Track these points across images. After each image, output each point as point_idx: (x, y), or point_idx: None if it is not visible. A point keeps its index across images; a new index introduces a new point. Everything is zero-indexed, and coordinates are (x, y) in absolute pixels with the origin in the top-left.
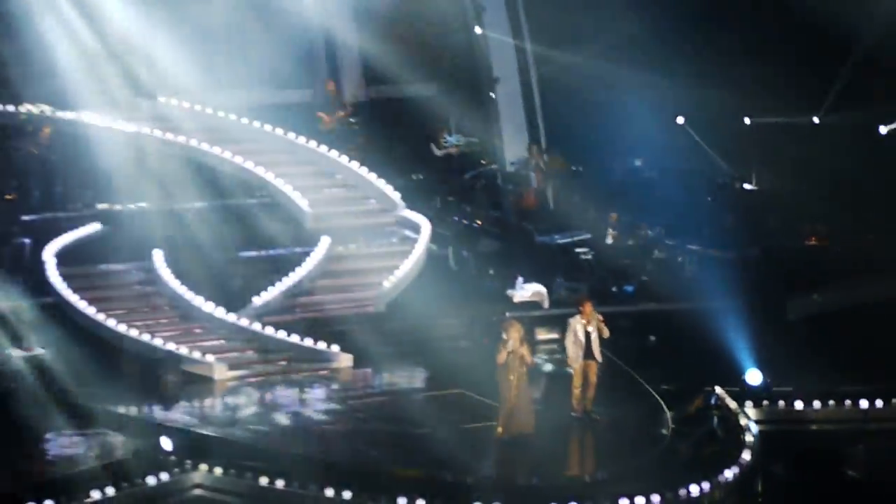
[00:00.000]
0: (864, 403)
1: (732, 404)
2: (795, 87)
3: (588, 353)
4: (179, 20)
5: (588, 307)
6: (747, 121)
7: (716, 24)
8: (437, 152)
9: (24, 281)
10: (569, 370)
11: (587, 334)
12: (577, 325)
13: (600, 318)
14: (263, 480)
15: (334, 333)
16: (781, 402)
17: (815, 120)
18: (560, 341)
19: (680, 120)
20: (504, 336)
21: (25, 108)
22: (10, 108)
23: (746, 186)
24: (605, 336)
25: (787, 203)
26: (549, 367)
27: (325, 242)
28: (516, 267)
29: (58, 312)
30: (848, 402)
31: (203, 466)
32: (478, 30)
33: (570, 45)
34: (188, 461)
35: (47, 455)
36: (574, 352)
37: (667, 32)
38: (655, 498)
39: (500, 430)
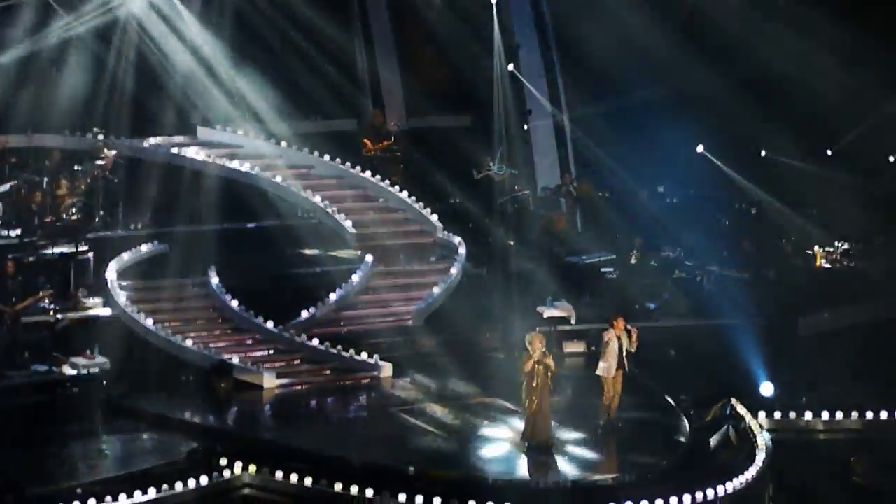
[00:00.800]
0: (869, 415)
1: (746, 415)
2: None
3: (620, 364)
4: (236, 54)
5: (620, 322)
6: (763, 153)
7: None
8: (477, 176)
9: (87, 295)
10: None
11: (619, 347)
12: (613, 338)
13: (636, 331)
14: (308, 481)
15: (376, 345)
16: (792, 413)
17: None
18: (585, 354)
19: (700, 149)
20: (529, 348)
21: (92, 134)
22: (79, 134)
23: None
24: (633, 350)
25: (798, 228)
26: (573, 378)
27: (368, 261)
28: (546, 285)
29: (119, 324)
30: (855, 413)
31: (252, 468)
32: (510, 67)
33: (598, 77)
34: (238, 462)
35: (107, 455)
36: (607, 363)
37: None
38: (673, 501)
39: (523, 435)
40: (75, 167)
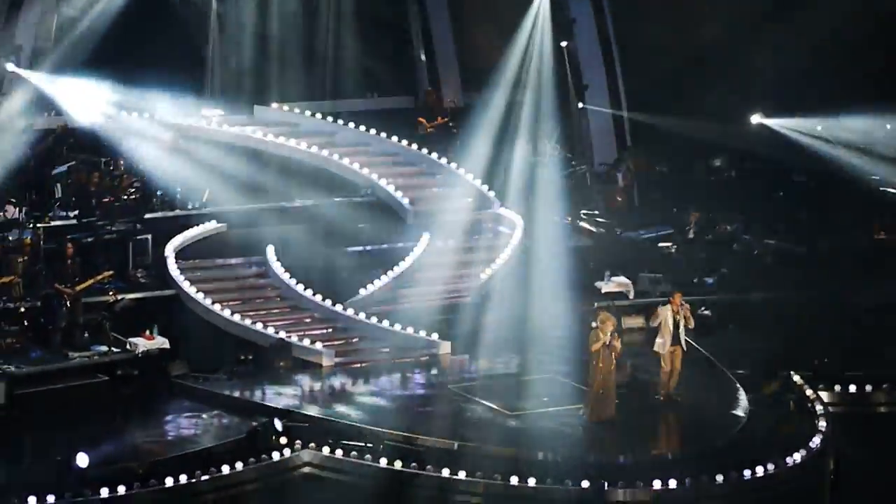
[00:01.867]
0: None
1: (806, 388)
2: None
3: (675, 341)
4: (294, 33)
5: (677, 298)
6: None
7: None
8: (532, 157)
9: (146, 275)
10: (657, 354)
11: (675, 323)
12: (667, 314)
13: (688, 308)
14: (367, 459)
15: (434, 322)
16: (853, 387)
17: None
18: (644, 329)
19: (755, 118)
20: (598, 325)
21: (150, 114)
22: (136, 114)
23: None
24: (690, 326)
25: (856, 200)
26: (632, 353)
27: (425, 238)
28: (604, 260)
29: (178, 304)
30: None
31: (312, 446)
32: (563, 43)
33: (654, 51)
34: (298, 441)
35: (168, 435)
36: (663, 338)
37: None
38: (734, 475)
39: (587, 413)
40: (133, 147)
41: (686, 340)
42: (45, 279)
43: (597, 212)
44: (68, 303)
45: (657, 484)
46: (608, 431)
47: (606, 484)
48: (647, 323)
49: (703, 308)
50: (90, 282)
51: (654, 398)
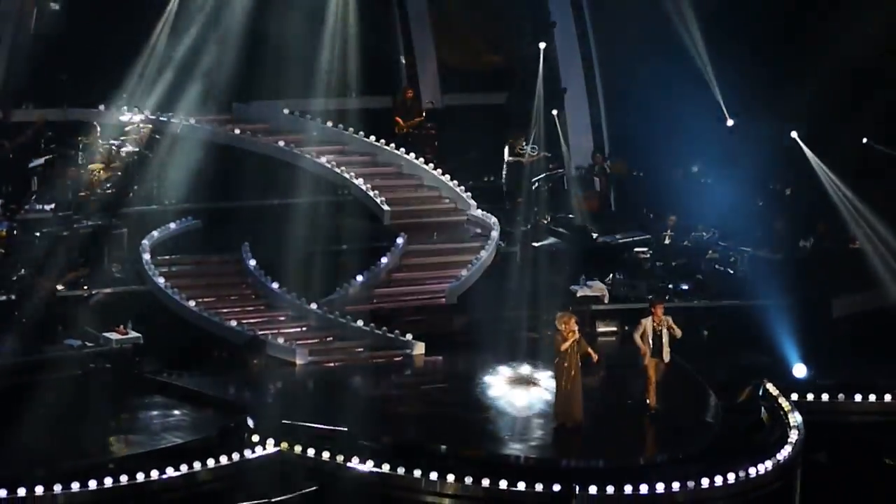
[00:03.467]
0: None
1: (779, 396)
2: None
3: (656, 352)
4: (270, 31)
5: (659, 310)
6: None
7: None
8: (509, 158)
9: (120, 270)
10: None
11: (657, 335)
12: (648, 325)
13: (670, 320)
14: (339, 459)
15: (409, 323)
16: (825, 395)
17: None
18: (618, 334)
19: (730, 122)
20: (562, 328)
21: (127, 108)
22: (115, 110)
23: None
24: (676, 336)
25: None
26: (606, 358)
27: (401, 238)
28: (580, 264)
29: (152, 299)
30: (888, 396)
31: (284, 444)
32: (542, 45)
33: (633, 57)
34: (270, 440)
35: (136, 432)
36: (644, 350)
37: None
38: (705, 481)
39: (554, 415)
40: (111, 142)
41: (670, 353)
42: (20, 272)
43: (570, 216)
44: (44, 295)
45: (628, 489)
46: (577, 434)
47: (577, 487)
48: (621, 328)
49: (704, 332)
50: (69, 276)
51: (625, 402)
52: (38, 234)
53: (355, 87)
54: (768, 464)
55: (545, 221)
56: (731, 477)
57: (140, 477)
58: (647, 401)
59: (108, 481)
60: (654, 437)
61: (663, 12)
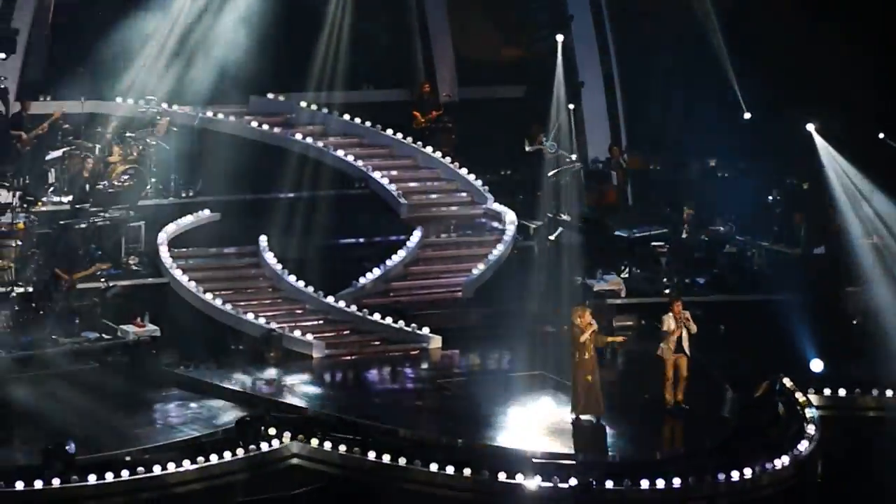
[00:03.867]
0: None
1: (796, 391)
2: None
3: (679, 349)
4: (288, 21)
5: (678, 306)
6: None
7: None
8: (528, 148)
9: (138, 262)
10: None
11: (679, 331)
12: (670, 322)
13: (688, 315)
14: (354, 451)
15: (425, 316)
16: (842, 391)
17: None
18: (635, 328)
19: (747, 115)
20: (578, 321)
21: (145, 101)
22: (130, 101)
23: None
24: (692, 332)
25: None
26: (622, 351)
27: (418, 231)
28: (597, 258)
29: (169, 292)
30: None
31: (300, 437)
32: (559, 38)
33: (650, 51)
34: (287, 432)
35: (156, 423)
36: (665, 346)
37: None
38: (721, 476)
39: (574, 408)
40: (127, 134)
41: (688, 347)
42: (38, 264)
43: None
44: (64, 288)
45: (644, 483)
46: (595, 428)
47: (594, 482)
48: (638, 322)
49: (721, 327)
50: (90, 270)
51: (643, 397)
52: (54, 226)
53: (372, 79)
54: (785, 459)
55: (562, 215)
56: (748, 472)
57: (157, 470)
58: (668, 395)
59: (125, 474)
60: (673, 433)
61: (682, 5)
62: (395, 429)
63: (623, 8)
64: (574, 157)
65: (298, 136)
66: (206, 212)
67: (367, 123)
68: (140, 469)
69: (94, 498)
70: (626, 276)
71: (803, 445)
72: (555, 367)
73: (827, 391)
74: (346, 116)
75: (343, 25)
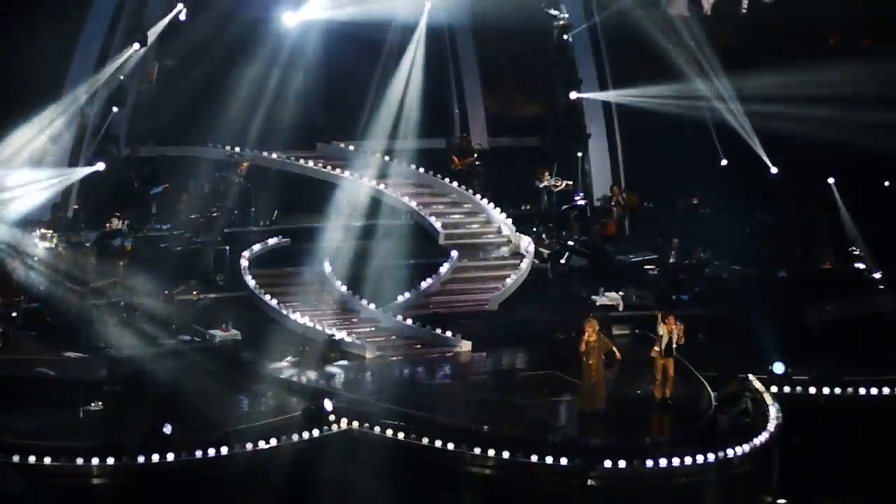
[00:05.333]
0: (862, 390)
1: (761, 388)
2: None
3: (668, 353)
4: (345, 80)
5: (670, 319)
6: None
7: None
8: (539, 185)
9: (223, 279)
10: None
11: (669, 339)
12: (662, 331)
13: (681, 327)
14: (401, 436)
15: (458, 325)
16: (799, 388)
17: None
18: (631, 336)
19: (724, 162)
20: (587, 330)
21: (230, 147)
22: (220, 147)
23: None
24: (680, 343)
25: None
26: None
27: (453, 255)
28: (599, 278)
29: (249, 303)
30: (850, 389)
31: (355, 424)
32: (573, 95)
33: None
34: (344, 419)
35: (237, 411)
36: (657, 352)
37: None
38: (700, 458)
39: (579, 402)
40: (216, 173)
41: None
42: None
43: (592, 238)
44: (79, 299)
45: (636, 462)
46: (599, 419)
47: (595, 461)
48: (633, 331)
49: (700, 335)
50: (104, 284)
51: (637, 393)
52: (157, 249)
53: (416, 130)
54: (752, 444)
55: (571, 243)
56: (721, 455)
57: (237, 448)
58: (657, 391)
59: (211, 451)
60: (660, 422)
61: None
62: (432, 417)
63: (623, 73)
64: (582, 195)
65: (356, 177)
66: (279, 237)
67: (413, 167)
68: (224, 448)
69: (184, 472)
70: (623, 293)
71: (767, 434)
72: (564, 367)
73: (787, 388)
74: (396, 161)
75: (396, 90)
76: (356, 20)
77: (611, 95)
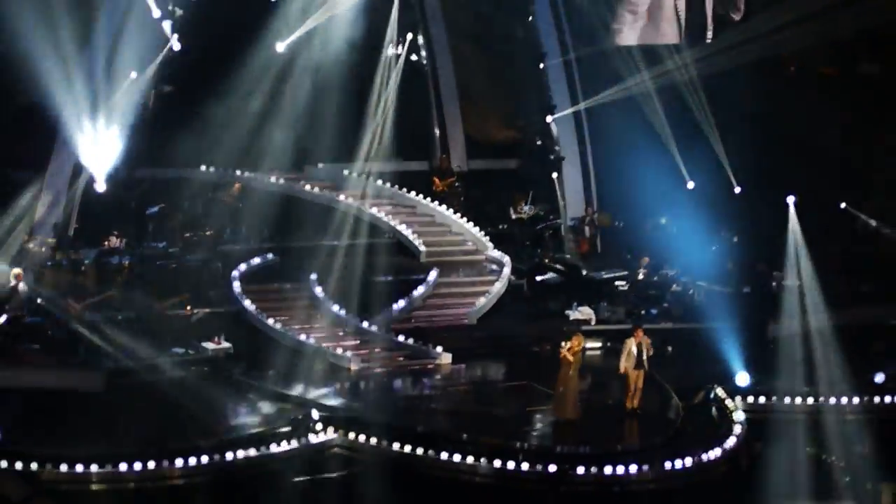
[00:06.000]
0: (822, 399)
1: (726, 398)
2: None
3: (638, 365)
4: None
5: (640, 333)
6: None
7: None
8: (512, 216)
9: (216, 294)
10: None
11: (638, 352)
12: (632, 345)
13: (648, 340)
14: (384, 443)
15: (439, 338)
16: (762, 398)
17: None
18: (603, 350)
19: (690, 185)
20: (571, 344)
21: (222, 168)
22: (213, 168)
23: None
24: (649, 354)
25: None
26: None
27: (434, 272)
28: (572, 294)
29: (240, 317)
30: (811, 398)
31: (341, 431)
32: (549, 119)
33: (616, 133)
34: (331, 427)
35: (228, 421)
36: (627, 364)
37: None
38: (668, 464)
39: (553, 411)
40: (208, 194)
41: (647, 364)
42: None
43: (565, 256)
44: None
45: (608, 469)
46: (572, 427)
47: (569, 467)
48: (604, 345)
49: (668, 348)
50: (97, 299)
51: (608, 403)
52: (153, 266)
53: (400, 152)
54: (717, 451)
55: (546, 260)
56: (689, 461)
57: (229, 456)
58: (627, 402)
59: (204, 459)
60: (631, 431)
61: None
62: (413, 425)
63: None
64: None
65: (342, 198)
66: (269, 255)
67: (396, 187)
68: (216, 455)
69: (180, 477)
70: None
71: (731, 441)
72: (540, 379)
73: (750, 399)
74: (380, 182)
75: (379, 113)
76: (343, 48)
77: (581, 106)
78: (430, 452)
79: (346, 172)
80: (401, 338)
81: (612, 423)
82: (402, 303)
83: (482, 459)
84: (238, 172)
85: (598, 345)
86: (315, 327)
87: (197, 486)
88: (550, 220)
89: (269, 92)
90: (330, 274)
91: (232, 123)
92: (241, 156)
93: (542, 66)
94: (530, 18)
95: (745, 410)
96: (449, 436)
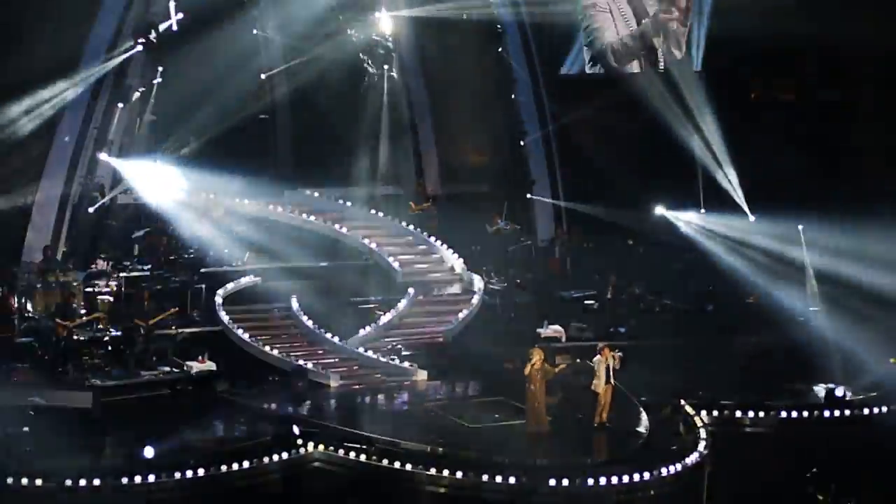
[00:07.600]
0: (784, 413)
1: (691, 411)
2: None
3: (607, 381)
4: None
5: (606, 351)
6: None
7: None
8: (490, 229)
9: (200, 314)
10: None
11: (607, 368)
12: (599, 362)
13: (615, 356)
14: (362, 457)
15: (415, 356)
16: (726, 411)
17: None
18: (572, 366)
19: (658, 210)
20: (531, 359)
21: (205, 194)
22: (196, 194)
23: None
24: (617, 368)
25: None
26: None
27: (410, 292)
28: (543, 312)
29: (223, 337)
30: (772, 412)
31: (321, 446)
32: (522, 142)
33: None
34: (311, 442)
35: (214, 435)
36: (598, 380)
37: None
38: (637, 476)
39: (526, 425)
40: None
41: (613, 379)
42: (125, 316)
43: (536, 276)
44: (143, 333)
45: (577, 481)
46: (543, 440)
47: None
48: (574, 361)
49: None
50: (161, 316)
51: (578, 417)
52: (138, 288)
53: (378, 177)
54: (683, 463)
55: (518, 280)
56: (656, 473)
57: (211, 470)
58: (596, 417)
59: (189, 473)
60: (599, 443)
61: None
62: (392, 440)
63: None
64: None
65: (321, 221)
66: (251, 277)
67: (373, 211)
68: (201, 470)
69: (163, 490)
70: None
71: (697, 453)
72: (512, 394)
73: (715, 412)
74: (357, 205)
75: (358, 141)
76: (325, 76)
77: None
78: (408, 466)
79: (325, 197)
80: (378, 356)
81: (581, 437)
82: (380, 322)
83: (458, 472)
84: (219, 197)
85: (568, 361)
86: (295, 346)
87: (179, 500)
88: (522, 241)
89: (254, 119)
90: (310, 295)
91: (216, 151)
92: (223, 182)
93: (512, 96)
94: (500, 49)
95: (708, 423)
96: (427, 450)
